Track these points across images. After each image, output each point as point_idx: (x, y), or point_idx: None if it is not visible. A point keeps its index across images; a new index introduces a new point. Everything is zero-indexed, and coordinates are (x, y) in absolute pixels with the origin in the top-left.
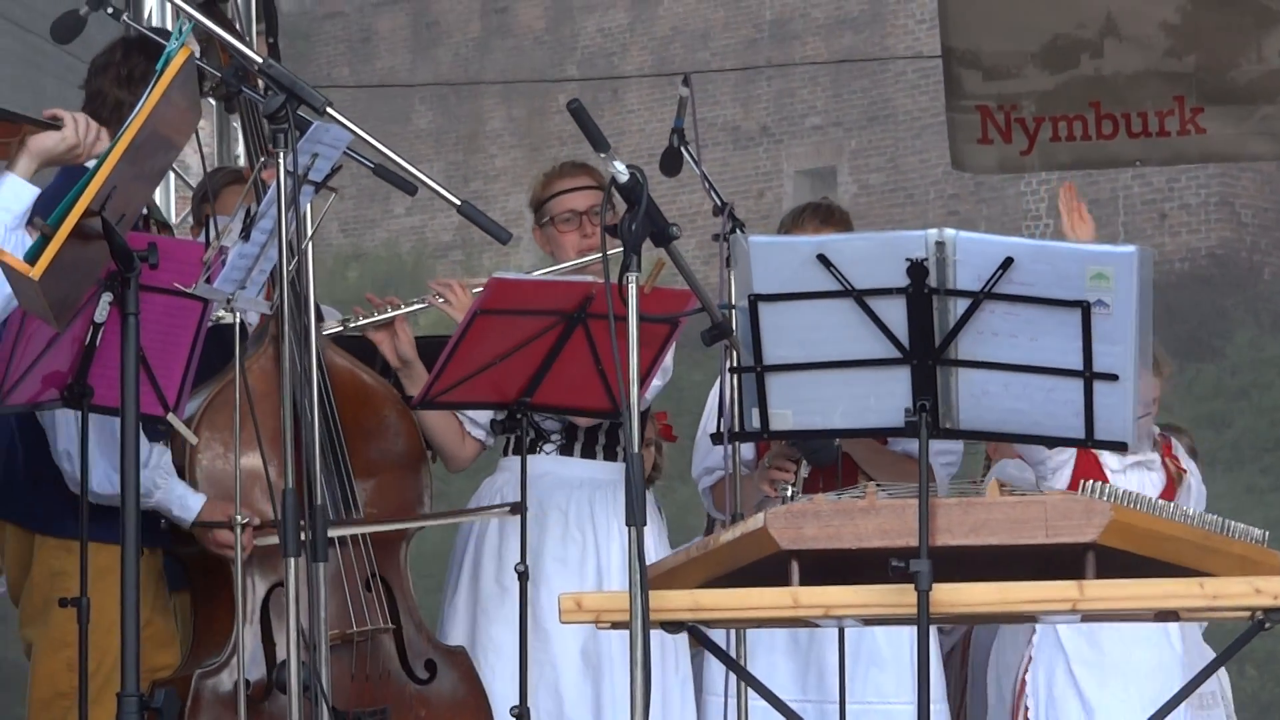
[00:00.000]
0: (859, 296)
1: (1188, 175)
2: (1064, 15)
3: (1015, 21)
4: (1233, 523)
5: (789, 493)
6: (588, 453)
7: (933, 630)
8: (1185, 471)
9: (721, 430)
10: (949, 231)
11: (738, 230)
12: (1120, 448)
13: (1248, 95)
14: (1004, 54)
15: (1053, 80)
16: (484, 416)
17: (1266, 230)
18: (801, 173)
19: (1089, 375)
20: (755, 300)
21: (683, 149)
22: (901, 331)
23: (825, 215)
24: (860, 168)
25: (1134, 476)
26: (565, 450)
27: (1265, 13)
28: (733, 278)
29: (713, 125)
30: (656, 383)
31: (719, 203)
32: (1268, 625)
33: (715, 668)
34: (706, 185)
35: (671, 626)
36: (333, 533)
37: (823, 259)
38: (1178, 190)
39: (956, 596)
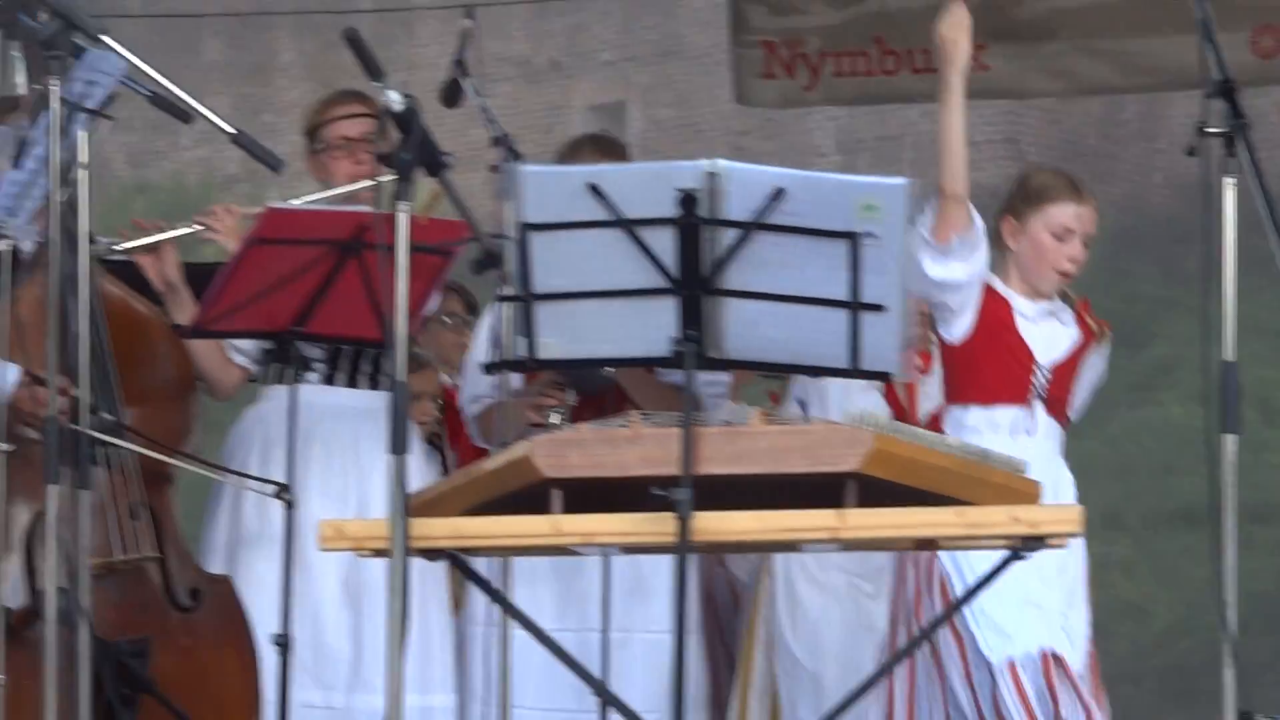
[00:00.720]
0: (628, 226)
1: (975, 113)
2: None
3: None
4: (994, 451)
5: (555, 420)
6: (351, 382)
7: (692, 560)
8: (1107, 328)
9: (493, 359)
10: (721, 162)
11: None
12: (884, 377)
13: (1030, 32)
14: None
15: (838, 16)
16: (248, 344)
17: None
18: (592, 108)
19: (855, 305)
20: (526, 229)
21: (463, 81)
22: (671, 262)
23: (606, 147)
24: (651, 103)
25: (1045, 326)
26: (328, 379)
27: None
28: (509, 209)
29: (503, 59)
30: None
31: (497, 135)
32: (1024, 555)
33: (477, 598)
34: (486, 118)
35: (432, 554)
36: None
37: (594, 189)
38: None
39: (717, 524)
